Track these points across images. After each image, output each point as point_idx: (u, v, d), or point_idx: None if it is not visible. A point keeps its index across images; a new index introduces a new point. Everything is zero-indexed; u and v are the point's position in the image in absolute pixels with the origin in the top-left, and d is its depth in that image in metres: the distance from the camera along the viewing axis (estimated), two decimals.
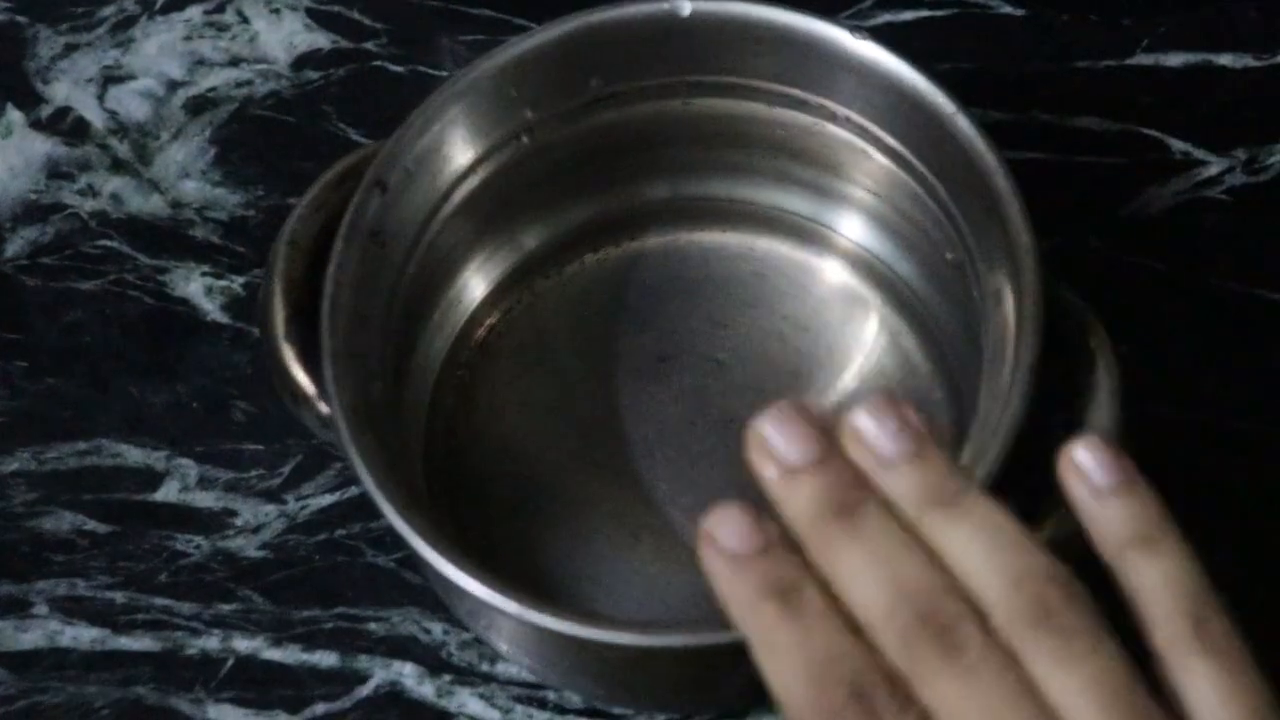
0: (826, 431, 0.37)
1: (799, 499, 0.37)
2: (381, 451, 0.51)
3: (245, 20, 0.70)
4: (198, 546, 0.59)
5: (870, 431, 0.37)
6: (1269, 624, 0.57)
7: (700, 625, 0.47)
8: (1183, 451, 0.58)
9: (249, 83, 0.68)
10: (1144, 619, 0.36)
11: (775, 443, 0.37)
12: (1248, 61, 0.66)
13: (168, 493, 0.61)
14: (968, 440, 0.50)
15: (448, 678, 0.57)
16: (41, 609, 0.59)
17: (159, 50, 0.69)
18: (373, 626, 0.58)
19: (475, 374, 0.60)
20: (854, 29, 0.54)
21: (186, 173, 0.67)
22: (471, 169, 0.57)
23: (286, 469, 0.61)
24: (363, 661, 0.57)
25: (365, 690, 0.57)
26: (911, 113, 0.54)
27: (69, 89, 0.69)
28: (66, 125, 0.68)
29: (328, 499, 0.60)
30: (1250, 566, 0.56)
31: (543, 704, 0.56)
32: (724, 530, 0.37)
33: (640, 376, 0.60)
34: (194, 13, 0.70)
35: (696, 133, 0.59)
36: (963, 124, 0.53)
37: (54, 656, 0.58)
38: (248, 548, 0.59)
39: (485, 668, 0.57)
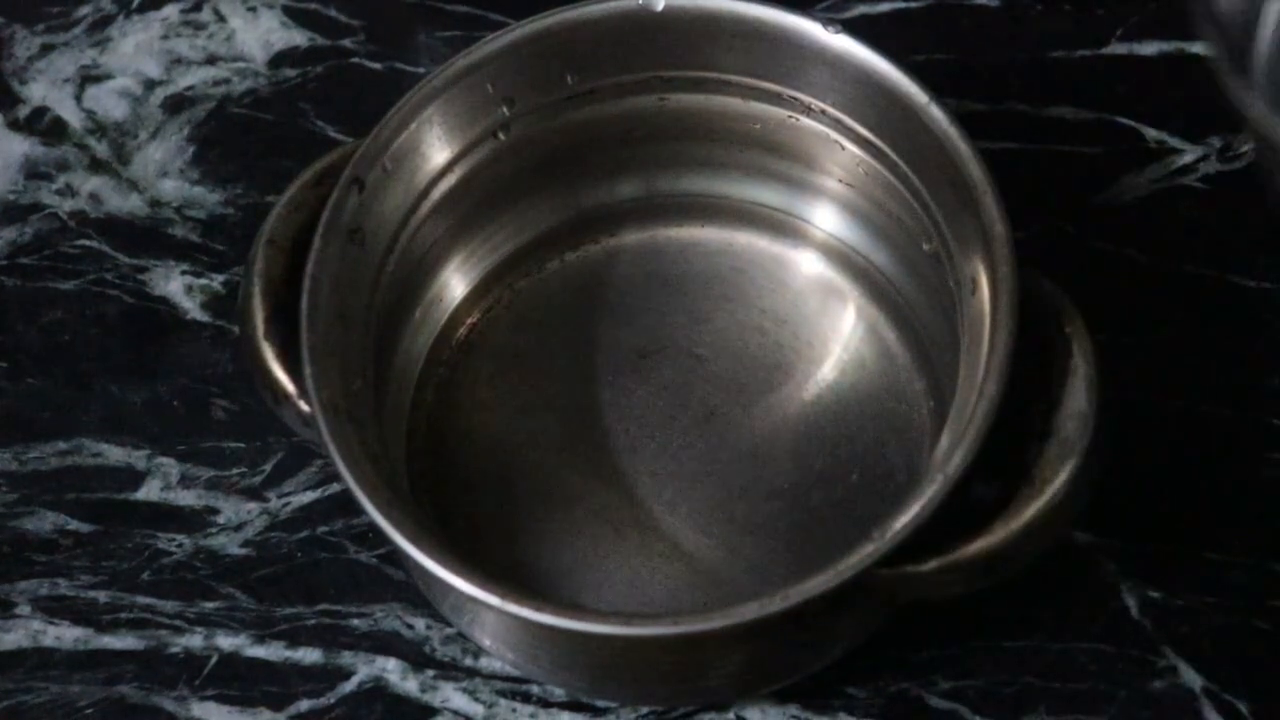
0: None
1: None
2: (363, 448, 0.51)
3: (222, 19, 0.70)
4: (180, 545, 0.60)
5: None
6: (1245, 605, 0.58)
7: (684, 615, 0.47)
8: (1158, 437, 0.59)
9: (226, 81, 0.68)
10: None
11: None
12: None
13: (149, 491, 0.61)
14: (945, 427, 0.50)
15: (431, 673, 0.57)
16: (24, 609, 0.59)
17: (136, 49, 0.69)
18: (356, 623, 0.58)
19: (456, 371, 0.60)
20: (827, 22, 0.55)
21: (165, 172, 0.67)
22: (449, 166, 0.57)
23: (268, 467, 0.61)
24: (346, 658, 0.57)
25: (349, 686, 0.57)
26: (885, 104, 0.54)
27: (46, 89, 0.69)
28: (44, 125, 0.68)
29: (309, 496, 0.60)
30: (1227, 551, 0.57)
31: (526, 698, 0.57)
32: None
33: (621, 372, 0.60)
34: (171, 11, 0.70)
35: (672, 128, 0.59)
36: (936, 114, 0.53)
37: (37, 656, 0.58)
38: (230, 545, 0.59)
39: (469, 662, 0.57)
